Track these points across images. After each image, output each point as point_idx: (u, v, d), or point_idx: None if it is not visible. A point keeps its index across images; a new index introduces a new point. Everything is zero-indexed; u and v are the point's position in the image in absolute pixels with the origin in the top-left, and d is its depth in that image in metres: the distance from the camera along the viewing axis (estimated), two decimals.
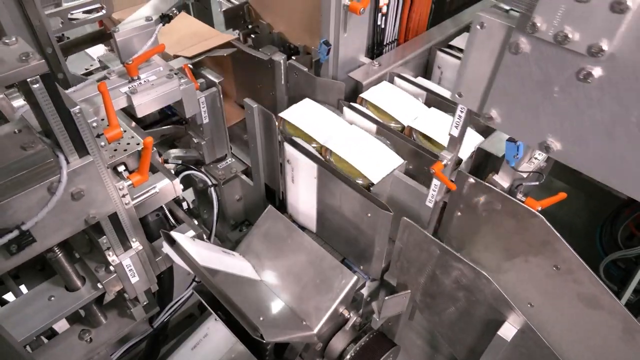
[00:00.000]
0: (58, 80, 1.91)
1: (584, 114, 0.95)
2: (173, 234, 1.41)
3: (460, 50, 2.01)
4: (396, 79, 1.85)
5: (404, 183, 1.54)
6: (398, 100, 1.77)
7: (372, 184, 1.54)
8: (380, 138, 1.66)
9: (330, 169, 1.54)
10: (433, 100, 1.78)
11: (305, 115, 1.74)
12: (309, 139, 1.67)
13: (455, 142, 1.31)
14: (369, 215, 1.48)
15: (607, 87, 0.89)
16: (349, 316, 1.59)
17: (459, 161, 1.60)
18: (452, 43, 2.03)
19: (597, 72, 0.88)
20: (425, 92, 1.80)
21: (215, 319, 1.74)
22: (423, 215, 1.52)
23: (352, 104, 1.71)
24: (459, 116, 1.23)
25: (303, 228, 1.74)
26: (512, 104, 1.06)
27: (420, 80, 1.93)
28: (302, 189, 1.68)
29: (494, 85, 1.07)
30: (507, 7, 1.16)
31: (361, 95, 1.76)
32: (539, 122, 1.03)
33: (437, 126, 1.66)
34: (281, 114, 1.72)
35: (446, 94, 1.87)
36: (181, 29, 2.01)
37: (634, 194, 0.98)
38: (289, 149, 1.62)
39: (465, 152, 1.58)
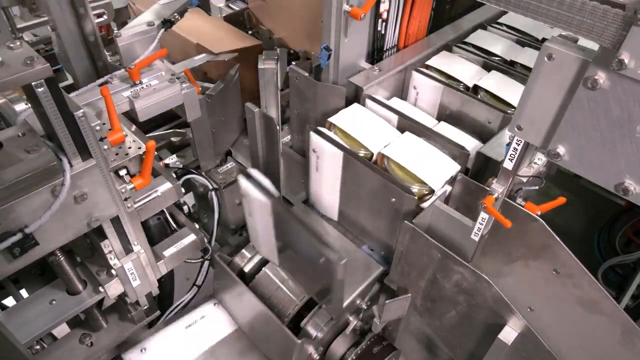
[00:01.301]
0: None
1: None
2: (249, 170, 1.39)
3: (438, 70, 1.93)
4: (368, 101, 1.78)
5: (446, 214, 1.45)
6: (370, 124, 1.70)
7: (433, 191, 1.51)
8: (434, 144, 1.61)
9: (356, 155, 1.55)
10: (406, 124, 1.75)
11: (355, 121, 1.70)
12: (360, 147, 1.63)
13: (509, 175, 1.24)
14: (394, 200, 1.48)
15: None
16: (349, 320, 1.59)
17: (432, 191, 1.55)
18: (428, 63, 1.96)
19: None
20: (397, 115, 1.71)
21: (215, 304, 1.75)
22: (467, 248, 1.44)
23: (319, 128, 1.68)
24: (515, 149, 1.18)
25: (323, 217, 1.77)
26: (584, 142, 1.00)
27: (395, 101, 1.89)
28: (326, 178, 1.69)
29: (563, 121, 1.01)
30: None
31: (329, 119, 1.72)
32: (616, 163, 0.97)
33: (411, 154, 1.58)
34: (331, 119, 1.70)
35: (421, 116, 1.81)
36: (203, 23, 2.00)
37: None
38: (314, 138, 1.62)
39: (439, 182, 1.53)
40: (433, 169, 1.54)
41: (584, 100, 0.96)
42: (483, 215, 1.32)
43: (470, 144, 1.67)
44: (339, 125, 1.68)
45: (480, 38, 2.09)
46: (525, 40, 2.08)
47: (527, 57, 1.97)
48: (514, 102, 1.71)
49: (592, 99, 0.95)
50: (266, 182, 1.45)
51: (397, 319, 1.68)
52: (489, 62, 1.95)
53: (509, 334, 1.33)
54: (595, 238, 3.18)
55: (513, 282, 1.50)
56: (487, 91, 1.81)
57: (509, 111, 1.68)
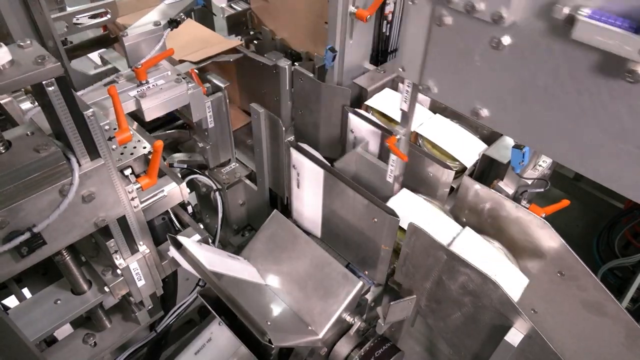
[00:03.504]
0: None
1: (502, 81, 1.02)
2: (180, 237, 1.41)
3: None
4: (400, 85, 1.85)
5: (366, 160, 1.62)
6: None
7: (466, 168, 1.61)
8: (462, 125, 1.74)
9: (337, 174, 1.55)
10: (437, 107, 1.79)
11: (389, 103, 1.79)
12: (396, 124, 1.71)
13: (407, 116, 1.38)
14: (375, 220, 1.49)
15: (515, 54, 0.96)
16: (353, 321, 1.59)
17: (463, 169, 1.62)
18: (367, 103, 2.00)
19: (505, 40, 0.95)
20: (430, 98, 1.79)
21: (219, 324, 1.74)
22: (385, 188, 1.61)
23: (357, 110, 1.72)
24: (407, 90, 1.30)
25: (307, 233, 1.74)
26: (444, 74, 1.13)
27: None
28: (308, 194, 1.69)
29: (427, 57, 1.14)
30: None
31: (366, 102, 1.77)
32: (468, 90, 1.10)
33: (443, 133, 1.66)
34: (367, 102, 1.80)
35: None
36: (186, 35, 2.02)
37: (550, 154, 1.07)
38: (294, 154, 1.63)
39: (470, 159, 1.59)
40: (464, 147, 1.64)
41: (437, 37, 1.08)
42: (392, 156, 1.48)
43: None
44: (376, 107, 1.77)
45: None
46: None
47: None
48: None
49: (442, 35, 1.06)
50: (316, 153, 1.61)
51: (400, 320, 1.68)
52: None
53: (515, 335, 1.33)
54: (595, 241, 3.19)
55: None
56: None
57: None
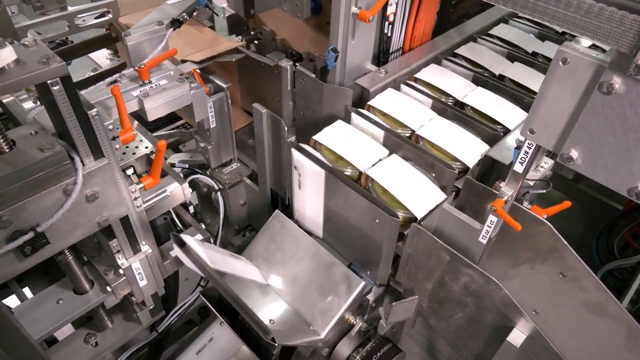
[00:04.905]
0: None
1: None
2: (183, 236, 1.41)
3: (466, 59, 2.02)
4: (403, 86, 1.86)
5: (453, 216, 1.44)
6: (405, 107, 1.77)
7: (416, 219, 1.47)
8: (420, 169, 1.59)
9: (338, 175, 1.55)
10: (438, 108, 1.79)
11: (392, 103, 1.72)
12: (347, 164, 1.60)
13: (519, 178, 1.26)
14: (377, 221, 1.49)
15: None
16: (354, 322, 1.59)
17: (465, 170, 1.62)
18: (457, 52, 2.04)
19: None
20: (432, 99, 1.81)
21: (221, 324, 1.74)
22: (474, 251, 1.44)
23: (360, 110, 1.72)
24: (526, 152, 1.19)
25: (309, 233, 1.74)
26: (597, 146, 1.00)
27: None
28: (309, 195, 1.69)
29: (577, 125, 1.01)
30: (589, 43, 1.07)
31: (369, 102, 1.77)
32: (630, 167, 0.98)
33: (444, 134, 1.66)
34: (316, 137, 1.66)
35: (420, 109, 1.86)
36: (188, 34, 2.02)
37: None
38: (296, 155, 1.63)
39: (472, 160, 1.59)
40: (465, 149, 1.57)
41: (598, 105, 0.96)
42: (492, 218, 1.32)
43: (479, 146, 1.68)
44: (379, 107, 1.71)
45: (472, 49, 2.08)
46: (515, 53, 2.06)
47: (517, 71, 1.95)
48: (500, 119, 1.71)
49: (607, 104, 0.95)
50: (321, 156, 1.57)
51: (402, 321, 1.68)
52: (478, 75, 1.93)
53: (517, 336, 1.34)
54: (594, 242, 3.20)
55: (519, 285, 1.51)
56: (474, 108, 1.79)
57: (498, 127, 1.70)
